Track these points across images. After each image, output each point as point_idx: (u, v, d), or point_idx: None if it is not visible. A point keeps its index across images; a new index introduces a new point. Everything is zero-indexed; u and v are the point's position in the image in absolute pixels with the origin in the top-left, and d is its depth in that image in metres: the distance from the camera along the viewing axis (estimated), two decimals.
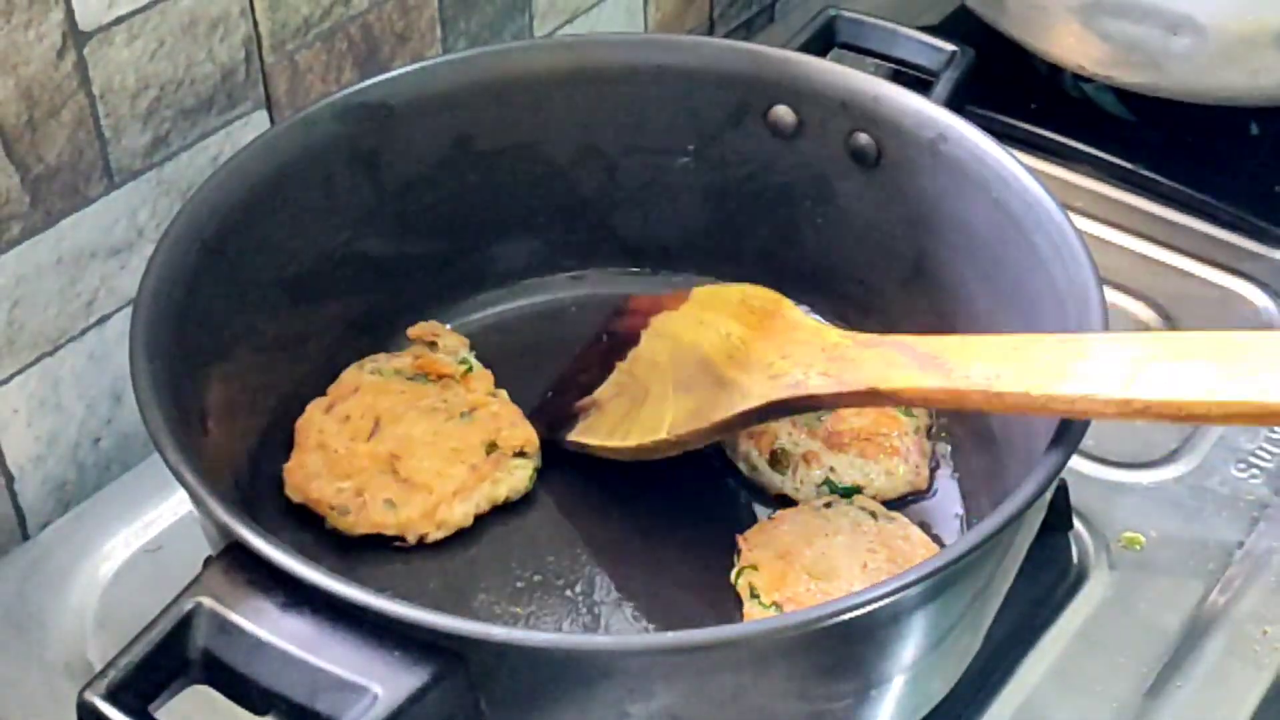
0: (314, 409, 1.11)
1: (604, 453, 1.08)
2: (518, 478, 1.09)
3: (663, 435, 1.03)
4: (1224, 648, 1.06)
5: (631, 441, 1.05)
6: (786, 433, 1.11)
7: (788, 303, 1.06)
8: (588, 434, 1.08)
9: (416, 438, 1.09)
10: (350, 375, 1.14)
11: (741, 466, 1.11)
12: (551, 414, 1.12)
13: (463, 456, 1.09)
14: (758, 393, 0.98)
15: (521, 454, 1.10)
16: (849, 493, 1.08)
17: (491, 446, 1.10)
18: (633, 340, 1.11)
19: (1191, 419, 0.78)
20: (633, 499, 1.10)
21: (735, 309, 1.05)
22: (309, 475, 1.07)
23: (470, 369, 1.15)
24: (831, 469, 1.09)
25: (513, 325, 1.22)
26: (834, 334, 0.99)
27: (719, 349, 1.03)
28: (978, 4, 1.46)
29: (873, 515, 1.06)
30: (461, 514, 1.07)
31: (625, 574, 1.05)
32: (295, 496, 1.07)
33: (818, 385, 0.95)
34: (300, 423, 1.11)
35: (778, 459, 1.10)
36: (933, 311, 1.15)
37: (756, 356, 1.00)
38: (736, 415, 1.00)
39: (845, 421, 1.12)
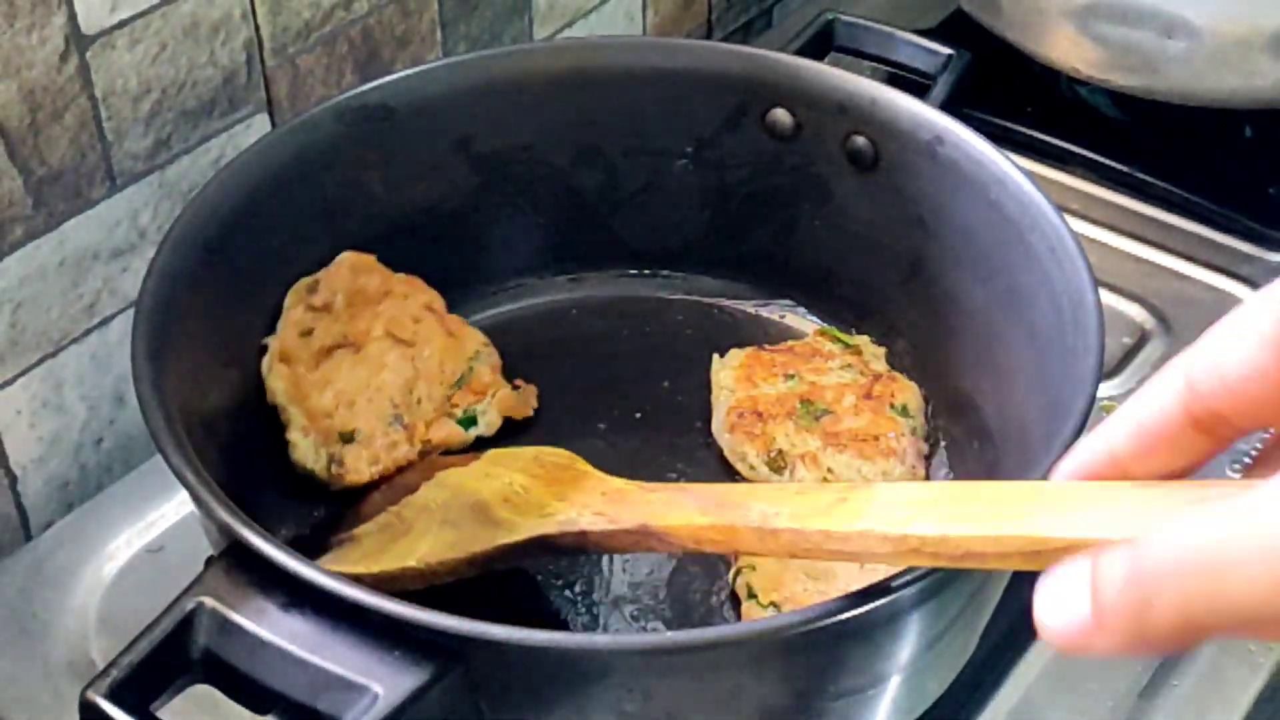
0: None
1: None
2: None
3: (411, 563, 0.95)
4: (1218, 648, 1.06)
5: (376, 568, 0.97)
6: (784, 434, 1.11)
7: (581, 460, 1.01)
8: (335, 562, 0.99)
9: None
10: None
11: (740, 468, 1.11)
12: (305, 549, 1.02)
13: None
14: (523, 529, 0.93)
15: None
16: None
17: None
18: (411, 490, 1.05)
19: (969, 558, 0.74)
20: None
21: (525, 464, 1.01)
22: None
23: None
24: (829, 470, 1.09)
25: (513, 327, 1.22)
26: (619, 482, 0.95)
27: (497, 494, 0.98)
28: (974, 8, 1.46)
29: None
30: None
31: (623, 574, 1.05)
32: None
33: (589, 523, 0.91)
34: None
35: (776, 461, 1.10)
36: (929, 312, 1.15)
37: (534, 499, 0.96)
38: (496, 548, 0.93)
39: (842, 422, 1.12)
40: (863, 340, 1.19)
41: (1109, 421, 0.68)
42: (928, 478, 1.11)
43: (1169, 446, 0.68)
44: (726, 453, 1.12)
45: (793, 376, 1.15)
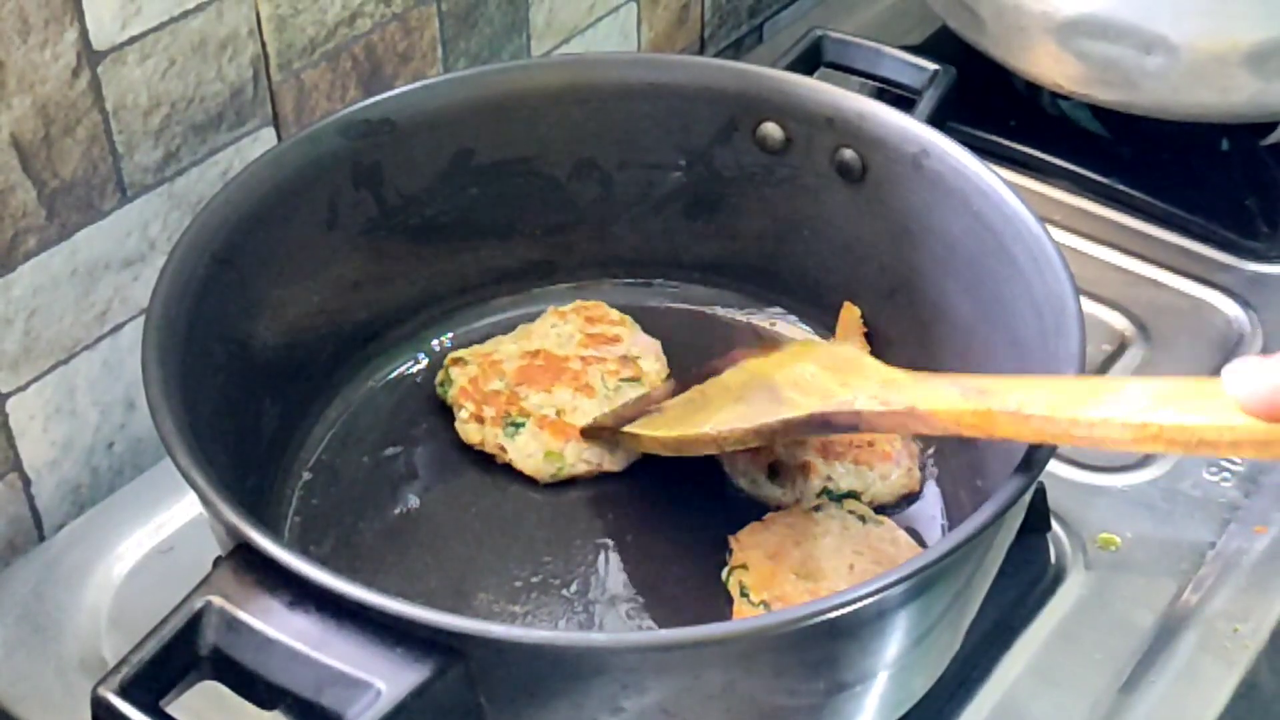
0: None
1: (648, 445, 1.08)
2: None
3: (705, 430, 1.03)
4: (1196, 645, 1.06)
5: (674, 433, 1.06)
6: (782, 445, 1.11)
7: (865, 355, 1.05)
8: (639, 426, 1.09)
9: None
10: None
11: (741, 482, 1.11)
12: (620, 416, 1.12)
13: None
14: (804, 406, 0.99)
15: None
16: (846, 499, 1.08)
17: None
18: (716, 373, 1.11)
19: (1203, 446, 0.80)
20: (629, 502, 1.10)
21: (818, 356, 1.05)
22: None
23: None
24: (829, 478, 1.09)
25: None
26: (895, 371, 0.98)
27: (788, 378, 1.03)
28: (959, 25, 1.46)
29: (860, 519, 1.06)
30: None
31: (620, 574, 1.06)
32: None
33: (863, 405, 0.95)
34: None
35: (776, 471, 1.10)
36: (916, 321, 1.15)
37: (819, 385, 1.00)
38: (780, 421, 1.00)
39: None
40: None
41: None
42: (922, 478, 1.11)
43: None
44: (725, 466, 1.12)
45: None
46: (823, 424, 0.98)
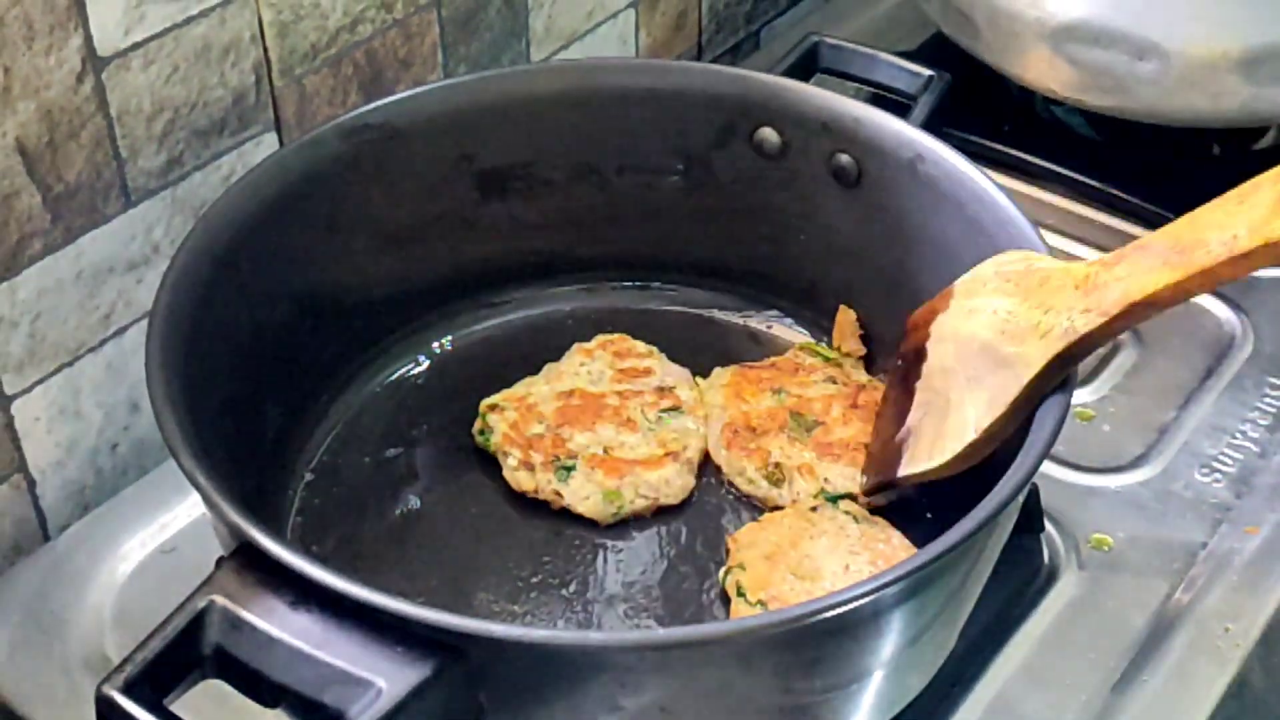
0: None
1: (932, 476, 1.05)
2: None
3: (971, 437, 1.00)
4: (1188, 644, 1.06)
5: (948, 456, 1.02)
6: (779, 447, 1.11)
7: (1033, 254, 1.02)
8: (911, 465, 1.05)
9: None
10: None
11: (739, 482, 1.11)
12: (882, 459, 1.09)
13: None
14: (1036, 358, 0.95)
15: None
16: (842, 499, 1.09)
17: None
18: (922, 356, 1.07)
19: None
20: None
21: (994, 285, 1.02)
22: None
23: None
24: (826, 479, 1.09)
25: (513, 336, 1.22)
26: (1080, 268, 0.97)
27: (993, 328, 1.00)
28: (953, 31, 1.46)
29: (855, 519, 1.06)
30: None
31: (618, 574, 1.06)
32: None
33: (1083, 324, 0.93)
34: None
35: (774, 474, 1.10)
36: None
37: (1024, 321, 0.97)
38: (1025, 389, 0.96)
39: (834, 433, 1.12)
40: (838, 354, 1.20)
41: None
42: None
43: None
44: (724, 468, 1.12)
45: (780, 391, 1.15)
46: (1066, 362, 0.95)
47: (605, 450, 1.11)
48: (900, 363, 1.09)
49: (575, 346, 1.19)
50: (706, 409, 1.16)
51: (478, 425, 1.13)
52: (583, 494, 1.09)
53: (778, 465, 1.11)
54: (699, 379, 1.18)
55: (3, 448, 1.11)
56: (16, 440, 1.12)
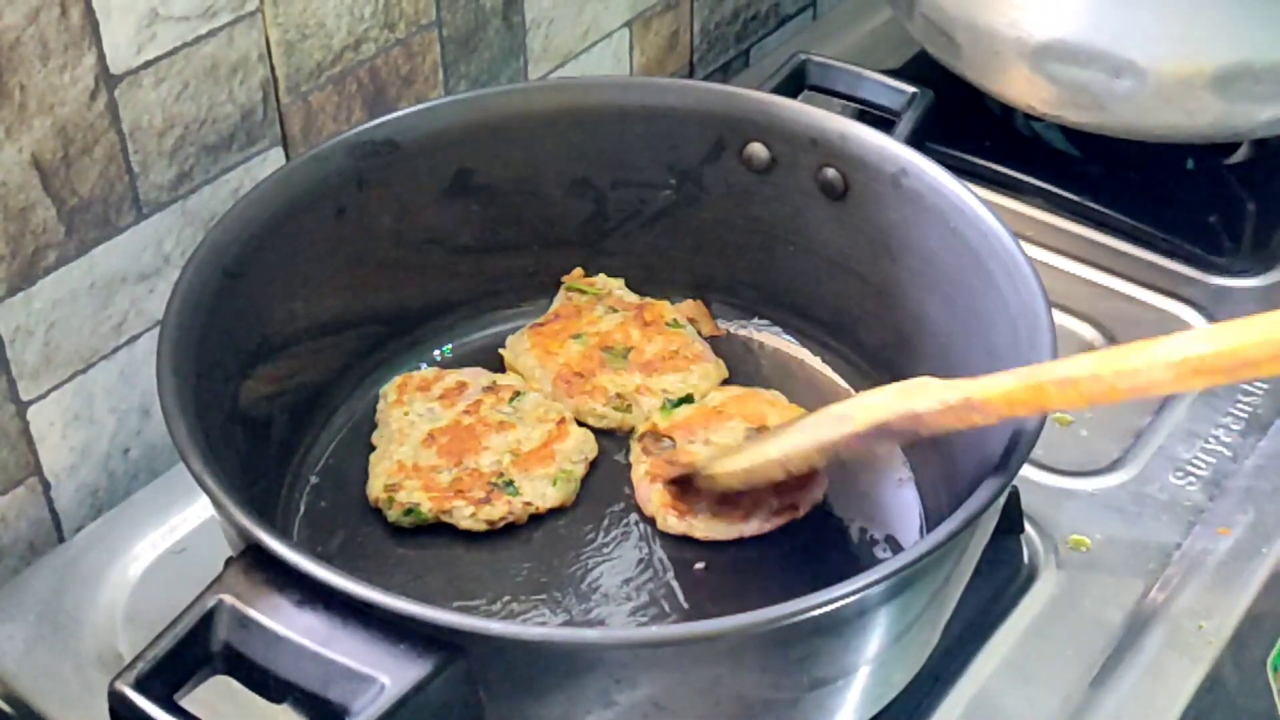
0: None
1: (725, 481, 1.06)
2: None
3: (772, 455, 1.02)
4: (1163, 641, 1.06)
5: (745, 463, 1.04)
6: (610, 381, 1.17)
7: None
8: (715, 466, 1.06)
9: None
10: None
11: (591, 420, 1.16)
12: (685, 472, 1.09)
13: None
14: (865, 420, 0.97)
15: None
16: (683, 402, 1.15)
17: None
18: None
19: (1244, 368, 0.83)
20: (627, 503, 1.11)
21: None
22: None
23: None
24: (664, 390, 1.17)
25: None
26: (953, 382, 0.97)
27: (848, 402, 1.03)
28: (936, 50, 1.46)
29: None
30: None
31: (616, 574, 1.06)
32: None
33: (921, 405, 0.94)
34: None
35: (620, 404, 1.16)
36: (896, 331, 1.15)
37: (879, 400, 0.99)
38: (843, 436, 0.98)
39: (645, 352, 1.19)
40: (600, 279, 1.24)
41: None
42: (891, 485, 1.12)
43: None
44: (573, 413, 1.15)
45: (579, 335, 1.19)
46: (884, 432, 0.97)
47: (513, 454, 1.11)
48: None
49: (380, 407, 1.16)
50: (525, 373, 1.18)
51: (394, 513, 1.08)
52: (540, 492, 1.09)
53: (619, 395, 1.15)
54: (501, 350, 1.21)
55: (19, 452, 1.11)
56: (32, 444, 1.12)
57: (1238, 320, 0.84)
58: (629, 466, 1.12)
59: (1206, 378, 0.84)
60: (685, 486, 1.08)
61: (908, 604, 0.89)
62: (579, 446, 1.12)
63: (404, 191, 1.15)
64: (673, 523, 1.07)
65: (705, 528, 1.07)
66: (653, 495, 1.08)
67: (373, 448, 1.13)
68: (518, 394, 1.15)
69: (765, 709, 0.88)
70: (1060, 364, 0.90)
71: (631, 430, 1.15)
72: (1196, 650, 1.06)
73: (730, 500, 1.07)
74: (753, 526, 1.08)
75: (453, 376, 1.16)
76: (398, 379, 1.16)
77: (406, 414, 1.14)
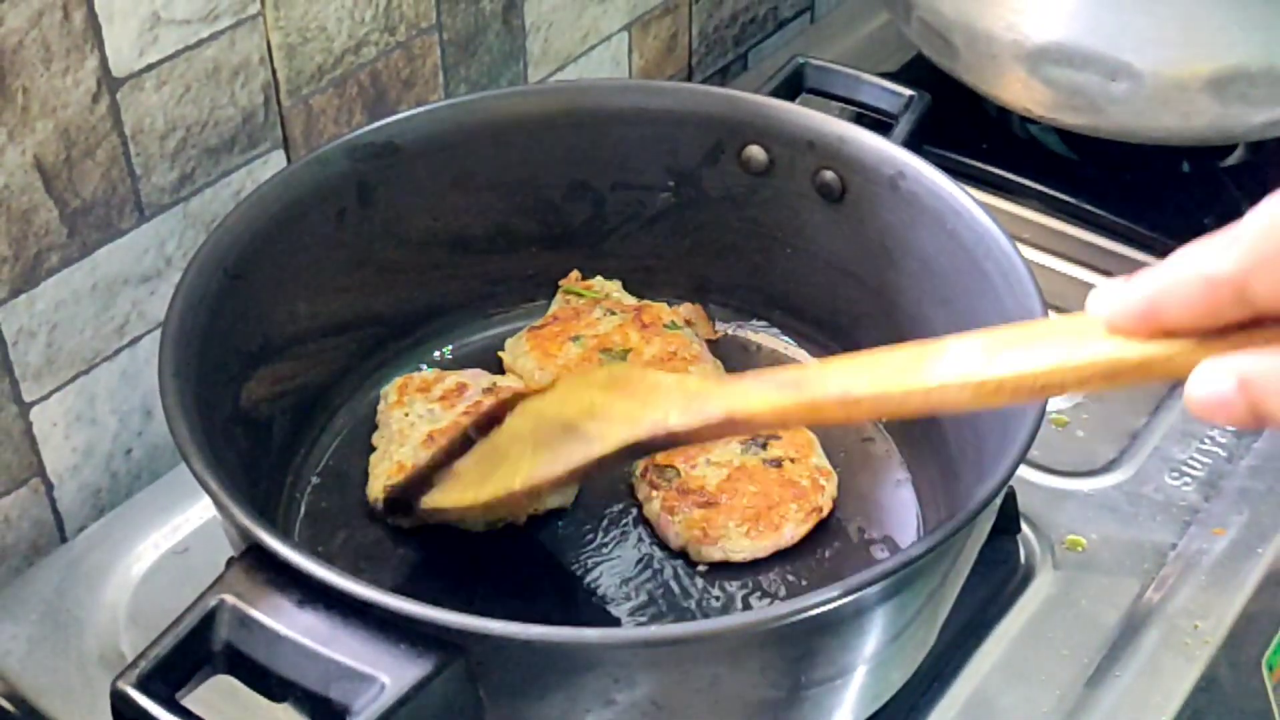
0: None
1: (457, 515, 1.02)
2: None
3: (515, 486, 0.94)
4: (1158, 641, 1.06)
5: (484, 496, 0.97)
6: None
7: (652, 371, 0.98)
8: (439, 497, 1.01)
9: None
10: None
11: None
12: (411, 481, 1.04)
13: None
14: (614, 438, 0.91)
15: None
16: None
17: None
18: (497, 423, 1.01)
19: (1048, 390, 0.74)
20: (625, 503, 1.11)
21: (601, 383, 0.96)
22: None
23: None
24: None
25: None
26: (696, 383, 0.92)
27: (582, 413, 0.94)
28: (934, 53, 1.46)
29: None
30: None
31: (615, 573, 1.06)
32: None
33: (676, 422, 0.88)
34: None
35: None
36: (893, 333, 1.15)
37: (619, 411, 0.92)
38: (591, 461, 0.92)
39: (644, 355, 1.17)
40: (598, 282, 1.23)
41: (1164, 266, 0.72)
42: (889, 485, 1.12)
43: (1207, 302, 0.70)
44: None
45: (578, 338, 1.18)
46: (639, 450, 0.90)
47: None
48: (474, 424, 1.02)
49: (380, 408, 1.15)
50: (524, 375, 1.18)
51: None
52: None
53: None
54: (500, 353, 1.20)
55: (22, 452, 1.11)
56: (35, 445, 1.12)
57: (1041, 326, 0.78)
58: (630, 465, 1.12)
59: (1009, 398, 0.75)
60: (406, 508, 1.04)
61: (905, 604, 0.89)
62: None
63: (404, 194, 1.15)
64: (708, 551, 1.06)
65: (742, 549, 1.06)
66: (678, 529, 1.06)
67: (373, 448, 1.13)
68: None
69: (764, 708, 0.88)
70: (839, 375, 0.82)
71: None
72: (1192, 650, 1.06)
73: (755, 516, 1.07)
74: (787, 536, 1.07)
75: (453, 378, 1.16)
76: (398, 380, 1.16)
77: (407, 415, 1.13)
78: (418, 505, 1.02)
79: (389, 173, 1.14)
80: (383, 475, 1.09)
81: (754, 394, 0.85)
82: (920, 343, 0.80)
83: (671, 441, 0.89)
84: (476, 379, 1.16)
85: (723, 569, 1.05)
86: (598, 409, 0.93)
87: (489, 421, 1.00)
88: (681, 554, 1.06)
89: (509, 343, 1.20)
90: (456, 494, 0.99)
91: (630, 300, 1.22)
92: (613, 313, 1.20)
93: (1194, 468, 1.18)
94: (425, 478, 1.02)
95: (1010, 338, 0.76)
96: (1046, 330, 0.75)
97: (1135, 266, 1.36)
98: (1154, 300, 0.71)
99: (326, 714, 0.79)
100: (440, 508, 1.01)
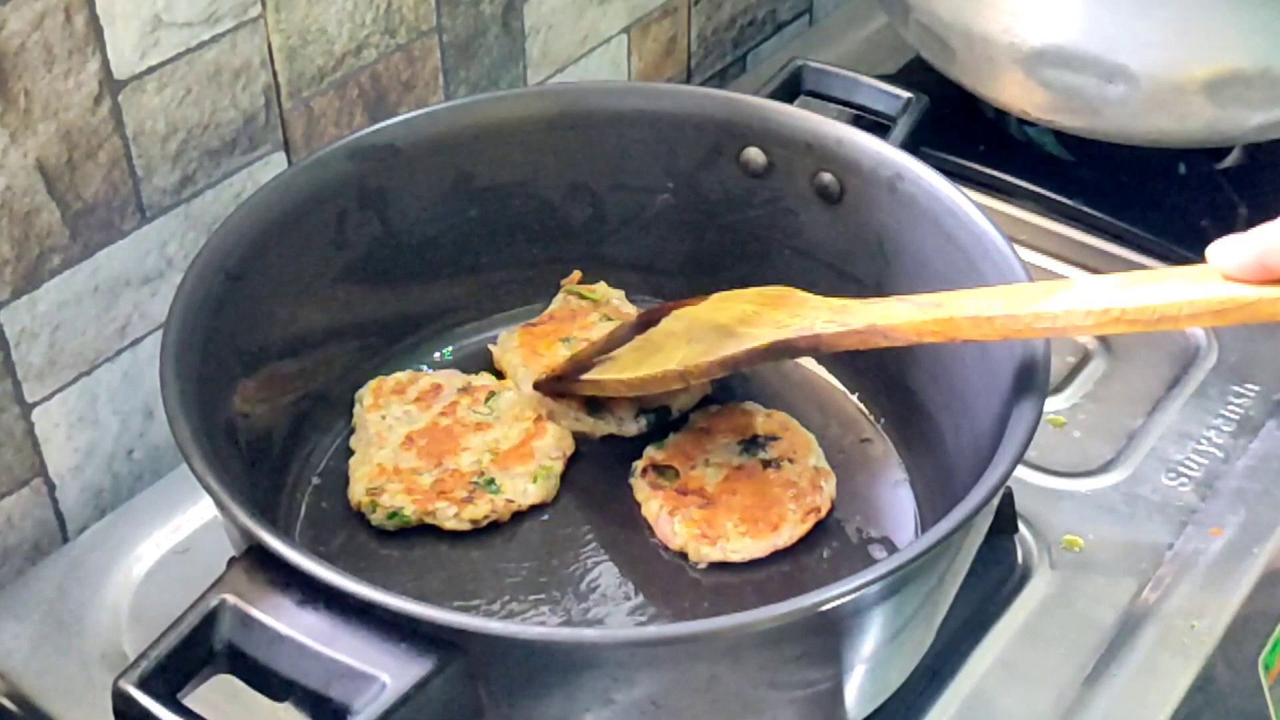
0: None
1: (611, 389, 1.09)
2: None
3: (671, 367, 1.04)
4: (1155, 641, 1.06)
5: (640, 373, 1.06)
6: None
7: (799, 290, 1.06)
8: (598, 372, 1.09)
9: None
10: None
11: (566, 424, 1.14)
12: (574, 363, 1.13)
13: None
14: (766, 335, 1.00)
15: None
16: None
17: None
18: (654, 323, 1.12)
19: (1163, 322, 0.85)
20: (621, 502, 1.11)
21: (752, 297, 1.07)
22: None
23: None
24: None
25: None
26: (841, 300, 1.01)
27: (734, 318, 1.05)
28: (931, 55, 1.46)
29: None
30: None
31: (614, 573, 1.06)
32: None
33: (822, 327, 0.97)
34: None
35: (592, 408, 1.15)
36: None
37: (768, 317, 1.02)
38: (744, 351, 1.01)
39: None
40: (600, 287, 1.23)
41: (1276, 223, 0.82)
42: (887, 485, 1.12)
43: None
44: (548, 416, 1.14)
45: (568, 339, 1.18)
46: (785, 349, 0.99)
47: (492, 453, 1.11)
48: (632, 324, 1.13)
49: (356, 411, 1.15)
50: (509, 371, 1.18)
51: (377, 516, 1.08)
52: (521, 489, 1.09)
53: (597, 400, 1.14)
54: (490, 346, 1.21)
55: (24, 453, 1.11)
56: (37, 446, 1.12)
57: (1157, 271, 0.87)
58: (611, 461, 1.13)
59: (1126, 326, 0.86)
60: (561, 391, 1.12)
61: (903, 603, 0.89)
62: (557, 443, 1.12)
63: (405, 195, 1.15)
64: (707, 552, 1.05)
65: (741, 549, 1.06)
66: (678, 530, 1.06)
67: (352, 452, 1.13)
68: (493, 394, 1.15)
69: (763, 707, 0.88)
70: (974, 299, 0.92)
71: (605, 437, 1.14)
72: (1189, 649, 1.06)
73: (753, 516, 1.07)
74: (784, 536, 1.07)
75: (427, 379, 1.16)
76: (372, 383, 1.16)
77: (384, 417, 1.14)
78: (572, 382, 1.11)
79: (389, 175, 1.14)
80: (363, 478, 1.09)
81: (897, 309, 0.95)
82: (1050, 281, 0.92)
83: (815, 345, 0.99)
84: (450, 379, 1.16)
85: (722, 569, 1.05)
86: (749, 316, 1.03)
87: (645, 324, 1.10)
88: (680, 554, 1.06)
89: (502, 335, 1.20)
90: (615, 371, 1.09)
91: (630, 309, 1.21)
92: (609, 319, 1.19)
93: (1191, 468, 1.18)
94: (584, 364, 1.12)
95: (1135, 277, 0.88)
96: (1167, 274, 0.86)
97: (1131, 268, 1.37)
98: (1266, 251, 0.82)
99: (327, 713, 0.79)
100: (598, 380, 1.10)
